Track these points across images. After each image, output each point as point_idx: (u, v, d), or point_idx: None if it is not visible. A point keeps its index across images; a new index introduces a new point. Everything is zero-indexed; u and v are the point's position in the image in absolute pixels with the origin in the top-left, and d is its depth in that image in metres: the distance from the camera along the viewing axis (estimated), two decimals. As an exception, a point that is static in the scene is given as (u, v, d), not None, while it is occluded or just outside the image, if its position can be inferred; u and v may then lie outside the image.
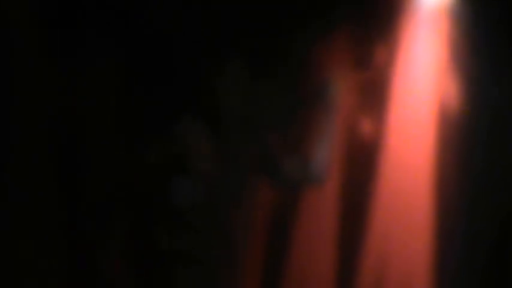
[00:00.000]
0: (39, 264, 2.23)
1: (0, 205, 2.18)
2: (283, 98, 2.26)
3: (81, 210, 2.27)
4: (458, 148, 2.25)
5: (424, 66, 2.29)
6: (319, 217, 2.26)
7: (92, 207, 2.27)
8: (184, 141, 2.24)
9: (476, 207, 2.31)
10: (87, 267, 2.26)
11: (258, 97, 2.28)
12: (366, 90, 2.29)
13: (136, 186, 2.24)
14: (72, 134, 2.13)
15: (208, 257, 2.21)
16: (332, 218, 2.26)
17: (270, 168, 2.28)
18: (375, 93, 2.30)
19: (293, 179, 2.24)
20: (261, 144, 2.27)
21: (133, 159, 2.20)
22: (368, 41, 2.30)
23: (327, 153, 2.29)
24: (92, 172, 2.26)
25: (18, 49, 2.19)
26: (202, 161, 2.23)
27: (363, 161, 2.28)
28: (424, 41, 2.29)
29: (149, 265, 2.27)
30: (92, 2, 2.13)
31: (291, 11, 2.27)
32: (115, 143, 2.22)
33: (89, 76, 2.28)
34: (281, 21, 2.34)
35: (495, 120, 2.33)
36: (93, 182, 2.28)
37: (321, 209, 2.25)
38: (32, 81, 2.22)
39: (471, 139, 2.29)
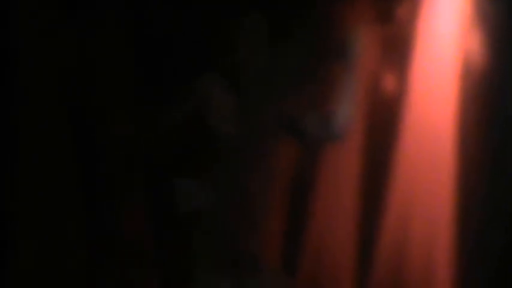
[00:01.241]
0: (59, 228, 2.35)
1: (18, 170, 2.30)
2: (304, 55, 2.34)
3: (100, 171, 2.39)
4: (482, 105, 2.32)
5: (447, 21, 2.35)
6: (340, 175, 2.35)
7: (111, 170, 2.39)
8: (205, 97, 2.35)
9: (500, 165, 2.42)
10: (106, 230, 2.38)
11: (278, 54, 2.39)
12: (389, 46, 2.37)
13: (156, 147, 2.36)
14: (89, 94, 2.25)
15: (227, 217, 2.34)
16: (353, 176, 2.35)
17: (291, 126, 2.38)
18: (397, 49, 2.37)
19: (314, 136, 2.28)
20: (282, 102, 2.38)
21: (153, 120, 2.32)
22: None
23: (349, 110, 2.36)
24: (110, 134, 2.38)
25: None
26: (223, 120, 2.33)
27: (385, 118, 2.37)
28: None
29: (168, 227, 2.39)
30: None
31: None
32: (135, 104, 2.35)
33: (104, 36, 2.40)
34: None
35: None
36: (111, 143, 2.40)
37: (342, 166, 2.35)
38: (46, 42, 2.33)
39: (495, 95, 2.37)
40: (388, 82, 2.40)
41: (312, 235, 2.35)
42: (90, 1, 2.23)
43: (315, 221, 2.35)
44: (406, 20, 2.40)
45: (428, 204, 2.38)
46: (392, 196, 2.38)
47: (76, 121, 2.21)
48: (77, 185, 2.33)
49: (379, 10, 2.36)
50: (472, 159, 2.38)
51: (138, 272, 2.22)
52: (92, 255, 2.21)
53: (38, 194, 2.29)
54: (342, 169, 2.35)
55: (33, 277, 2.19)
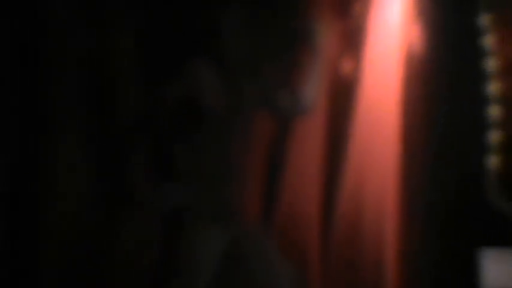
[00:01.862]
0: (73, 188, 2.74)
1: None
2: (278, 43, 2.83)
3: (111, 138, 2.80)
4: (421, 82, 2.88)
5: (393, 15, 2.91)
6: (308, 141, 2.87)
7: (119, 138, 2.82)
8: (197, 80, 2.79)
9: (441, 136, 2.97)
10: (116, 189, 2.79)
11: (257, 43, 2.86)
12: (346, 35, 2.93)
13: (156, 121, 2.79)
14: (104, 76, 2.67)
15: (216, 180, 2.80)
16: (319, 143, 2.88)
17: (268, 102, 2.87)
18: (353, 38, 2.94)
19: (287, 111, 2.80)
20: (261, 83, 2.86)
21: (153, 97, 2.76)
22: None
23: (314, 90, 2.88)
24: (117, 108, 2.81)
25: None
26: (211, 98, 2.78)
27: (343, 96, 2.92)
28: None
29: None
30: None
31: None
32: (136, 83, 2.79)
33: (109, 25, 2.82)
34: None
35: (457, 66, 3.02)
36: (117, 116, 2.82)
37: (310, 134, 2.87)
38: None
39: (435, 80, 2.91)
40: (346, 66, 2.94)
41: (285, 193, 2.84)
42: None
43: (287, 181, 2.85)
44: (360, 13, 2.96)
45: (378, 168, 2.90)
46: (350, 161, 2.90)
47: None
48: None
49: (338, 6, 2.92)
50: (415, 132, 2.91)
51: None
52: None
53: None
54: (309, 137, 2.87)
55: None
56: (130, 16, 2.82)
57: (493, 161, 2.86)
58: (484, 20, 2.90)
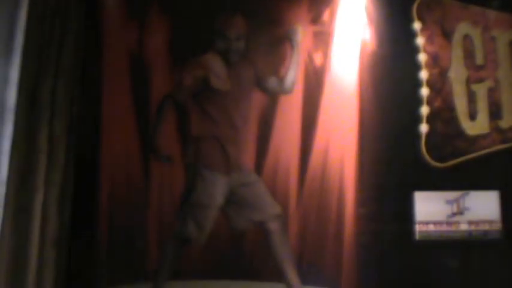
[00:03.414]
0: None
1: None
2: (268, 40, 4.03)
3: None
4: (372, 71, 4.04)
5: (352, 22, 4.11)
6: (290, 113, 4.05)
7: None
8: (208, 68, 3.87)
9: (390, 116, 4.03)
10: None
11: (252, 40, 3.99)
12: (317, 36, 4.11)
13: (176, 96, 3.88)
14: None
15: (223, 139, 3.86)
16: (297, 114, 4.04)
17: (260, 84, 4.00)
18: (323, 37, 4.12)
19: (274, 91, 3.98)
20: (255, 69, 3.97)
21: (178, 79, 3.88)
22: (319, 5, 4.13)
23: (294, 75, 4.00)
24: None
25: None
26: (220, 81, 3.86)
27: (315, 80, 4.09)
28: (353, 8, 4.13)
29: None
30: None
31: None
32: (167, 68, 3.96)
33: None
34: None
35: (398, 58, 4.11)
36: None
37: (291, 108, 4.04)
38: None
39: (382, 68, 4.06)
40: (317, 58, 4.11)
41: (272, 151, 4.01)
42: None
43: (274, 142, 4.02)
44: (328, 20, 4.14)
45: (340, 133, 4.07)
46: (319, 128, 4.05)
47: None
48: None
49: (312, 14, 4.10)
50: (368, 106, 4.06)
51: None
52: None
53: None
54: (290, 110, 4.04)
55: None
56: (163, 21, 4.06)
57: (423, 129, 4.10)
58: (416, 25, 4.17)
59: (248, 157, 3.95)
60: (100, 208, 3.88)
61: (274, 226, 3.87)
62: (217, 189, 3.77)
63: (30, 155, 3.81)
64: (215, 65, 3.86)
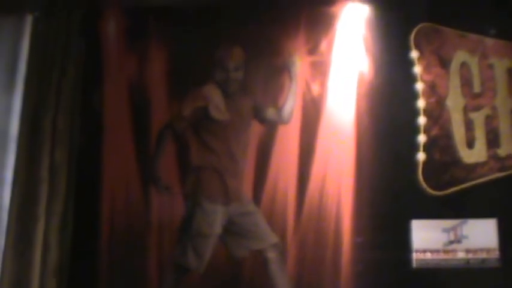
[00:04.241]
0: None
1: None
2: (267, 71, 4.20)
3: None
4: (370, 101, 4.19)
5: (349, 51, 4.26)
6: (287, 143, 4.20)
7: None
8: (207, 98, 4.04)
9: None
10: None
11: (250, 71, 4.16)
12: (315, 65, 4.27)
13: (176, 126, 4.06)
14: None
15: (221, 169, 4.03)
16: (295, 144, 4.19)
17: (259, 115, 4.14)
18: (320, 67, 4.27)
19: (273, 121, 4.13)
20: (253, 100, 4.14)
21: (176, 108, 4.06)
22: (316, 36, 4.30)
23: (292, 106, 4.15)
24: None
25: None
26: (219, 112, 4.00)
27: (313, 110, 4.24)
28: (350, 38, 4.29)
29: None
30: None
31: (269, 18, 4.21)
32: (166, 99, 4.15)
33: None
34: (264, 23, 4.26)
35: (395, 87, 4.24)
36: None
37: (288, 138, 4.20)
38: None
39: (377, 95, 4.21)
40: (314, 88, 4.27)
41: (270, 181, 4.17)
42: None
43: (272, 172, 4.18)
44: (326, 50, 4.29)
45: (337, 163, 4.21)
46: (317, 157, 4.20)
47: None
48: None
49: (310, 45, 4.28)
50: (365, 135, 4.20)
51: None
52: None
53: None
54: (288, 140, 4.19)
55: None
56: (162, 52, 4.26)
57: (420, 157, 4.21)
58: (413, 54, 4.29)
59: (247, 187, 4.10)
60: (100, 237, 4.05)
61: (272, 255, 4.02)
62: (216, 219, 3.92)
63: (32, 184, 3.97)
64: (214, 96, 4.00)
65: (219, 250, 3.98)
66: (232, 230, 3.98)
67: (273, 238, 4.00)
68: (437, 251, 4.10)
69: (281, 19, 4.22)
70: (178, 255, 3.91)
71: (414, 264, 4.08)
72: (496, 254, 4.10)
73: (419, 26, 4.32)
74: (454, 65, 4.30)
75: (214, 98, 3.96)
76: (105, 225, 4.05)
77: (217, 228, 3.92)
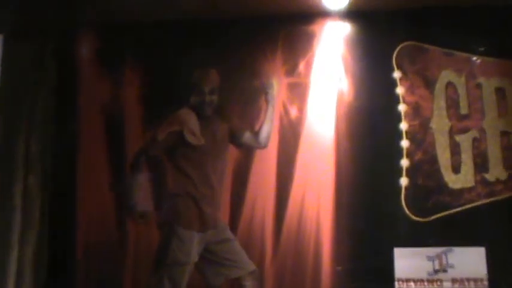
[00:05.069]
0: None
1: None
2: (243, 94, 4.22)
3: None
4: (350, 123, 4.18)
5: (328, 72, 4.27)
6: (265, 167, 4.22)
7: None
8: (182, 122, 4.04)
9: (368, 169, 4.16)
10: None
11: (226, 94, 4.16)
12: (293, 87, 4.28)
13: (150, 152, 4.10)
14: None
15: (197, 196, 4.05)
16: (272, 167, 4.22)
17: (235, 139, 4.13)
18: (298, 89, 4.28)
19: (249, 145, 4.01)
20: (229, 123, 4.13)
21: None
22: (294, 57, 4.32)
23: (269, 129, 4.01)
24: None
25: None
26: (194, 136, 3.91)
27: (291, 133, 4.25)
28: (329, 58, 4.29)
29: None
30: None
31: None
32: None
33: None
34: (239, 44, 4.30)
35: (377, 109, 4.23)
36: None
37: (266, 161, 4.22)
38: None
39: (357, 117, 4.22)
40: (292, 111, 4.27)
41: (247, 206, 4.20)
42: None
43: (249, 196, 4.21)
44: (304, 71, 4.31)
45: (316, 187, 4.20)
46: (295, 181, 4.21)
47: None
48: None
49: (287, 67, 4.32)
50: (345, 159, 4.20)
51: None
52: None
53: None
54: (265, 163, 4.21)
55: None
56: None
57: (403, 182, 4.17)
58: (396, 75, 4.25)
59: (223, 213, 4.05)
60: (75, 265, 4.09)
61: (249, 283, 3.99)
62: (192, 247, 3.85)
63: (5, 211, 4.04)
64: (189, 120, 3.91)
65: (195, 278, 3.97)
66: (209, 258, 3.95)
67: (250, 266, 3.97)
68: (421, 280, 4.04)
69: (257, 39, 4.25)
70: (154, 284, 3.95)
71: (396, 294, 4.04)
72: (484, 285, 4.01)
73: (402, 44, 4.30)
74: (439, 86, 4.26)
75: (189, 122, 3.91)
76: (80, 254, 4.08)
77: (194, 257, 3.87)
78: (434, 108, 4.25)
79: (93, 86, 4.24)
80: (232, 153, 4.15)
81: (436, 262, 4.06)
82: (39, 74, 4.18)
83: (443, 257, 4.06)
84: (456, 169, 4.20)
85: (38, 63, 4.17)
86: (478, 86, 4.28)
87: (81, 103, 4.24)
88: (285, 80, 4.28)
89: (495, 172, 4.18)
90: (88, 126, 4.24)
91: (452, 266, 4.05)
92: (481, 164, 4.20)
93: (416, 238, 4.11)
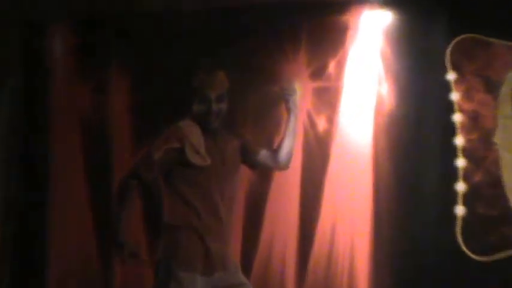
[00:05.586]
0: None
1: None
2: (258, 102, 3.64)
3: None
4: (390, 136, 3.61)
5: (365, 75, 3.67)
6: (285, 191, 3.65)
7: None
8: (183, 137, 3.52)
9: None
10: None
11: (238, 103, 3.58)
12: (320, 93, 3.71)
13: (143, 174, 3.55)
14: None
15: (200, 228, 3.52)
16: (295, 192, 3.65)
17: (248, 159, 3.55)
18: (327, 95, 3.71)
19: (266, 166, 3.46)
20: (242, 139, 3.58)
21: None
22: (321, 56, 3.71)
23: (291, 146, 3.49)
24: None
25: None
26: (197, 153, 3.50)
27: (317, 151, 3.68)
28: (365, 57, 3.67)
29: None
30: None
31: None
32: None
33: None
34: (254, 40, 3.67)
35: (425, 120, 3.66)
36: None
37: (287, 186, 3.64)
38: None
39: (400, 129, 3.63)
40: (320, 123, 3.69)
41: (264, 238, 3.65)
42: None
43: (266, 228, 3.66)
44: (335, 74, 3.70)
45: (350, 214, 3.66)
46: (324, 206, 3.65)
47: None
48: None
49: (312, 67, 3.70)
50: (385, 182, 3.60)
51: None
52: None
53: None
54: (286, 187, 3.65)
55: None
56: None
57: (458, 211, 3.54)
58: (449, 76, 3.61)
59: (234, 250, 3.51)
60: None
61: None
62: None
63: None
64: (192, 135, 3.37)
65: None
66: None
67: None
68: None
69: (275, 33, 3.70)
70: None
71: None
72: None
73: (458, 38, 3.67)
74: (505, 89, 3.64)
75: (191, 138, 3.35)
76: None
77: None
78: (498, 118, 3.63)
79: (69, 91, 3.72)
80: (244, 176, 3.64)
81: (499, 313, 3.45)
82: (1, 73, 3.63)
83: (508, 306, 3.44)
84: (527, 194, 3.56)
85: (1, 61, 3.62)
86: (557, 89, 3.62)
87: (54, 112, 3.72)
88: (311, 85, 3.72)
89: None
90: (62, 140, 3.70)
91: (518, 319, 3.43)
92: (559, 188, 3.54)
93: (475, 282, 3.52)
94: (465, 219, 3.58)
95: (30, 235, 3.58)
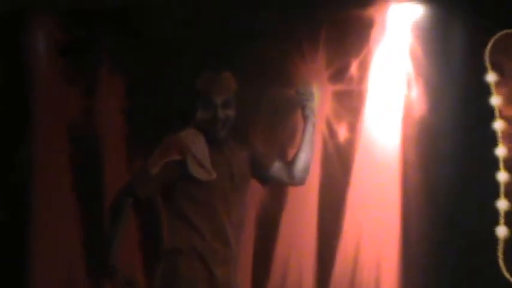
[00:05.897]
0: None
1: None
2: (271, 108, 3.34)
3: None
4: (421, 146, 3.32)
5: (392, 79, 3.38)
6: (301, 210, 3.37)
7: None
8: (184, 148, 3.22)
9: (435, 199, 3.31)
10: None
11: (247, 108, 3.28)
12: (341, 98, 3.43)
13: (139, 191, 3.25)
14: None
15: (205, 252, 3.22)
16: (312, 210, 3.37)
17: (259, 172, 3.27)
18: (349, 100, 3.42)
19: (280, 181, 3.14)
20: (252, 151, 3.27)
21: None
22: (342, 56, 3.42)
23: (308, 158, 3.22)
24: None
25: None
26: (200, 166, 3.21)
27: (338, 163, 3.38)
28: (392, 57, 3.37)
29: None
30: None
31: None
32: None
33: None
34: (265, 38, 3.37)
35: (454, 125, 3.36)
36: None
37: (303, 203, 3.36)
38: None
39: (432, 139, 3.34)
40: (340, 131, 3.40)
41: (277, 262, 3.38)
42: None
43: (279, 253, 3.37)
44: (359, 76, 3.41)
45: (374, 240, 3.36)
46: (345, 226, 3.37)
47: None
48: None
49: (331, 68, 3.42)
50: (414, 200, 3.31)
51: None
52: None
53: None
54: (302, 205, 3.38)
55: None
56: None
57: (500, 232, 3.24)
58: (489, 78, 3.33)
59: (243, 276, 3.21)
60: None
61: None
62: None
63: None
64: (195, 146, 3.09)
65: None
66: None
67: None
68: None
69: (291, 30, 3.39)
70: None
71: None
72: None
73: (499, 34, 3.41)
74: None
75: (194, 149, 3.06)
76: None
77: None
78: (547, 127, 3.33)
79: (54, 94, 3.47)
80: (255, 193, 3.30)
81: None
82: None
83: None
84: None
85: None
86: None
87: (37, 119, 3.47)
88: (330, 88, 3.44)
89: None
90: (47, 151, 3.45)
91: None
92: None
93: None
94: (507, 241, 3.30)
95: (10, 256, 3.33)
